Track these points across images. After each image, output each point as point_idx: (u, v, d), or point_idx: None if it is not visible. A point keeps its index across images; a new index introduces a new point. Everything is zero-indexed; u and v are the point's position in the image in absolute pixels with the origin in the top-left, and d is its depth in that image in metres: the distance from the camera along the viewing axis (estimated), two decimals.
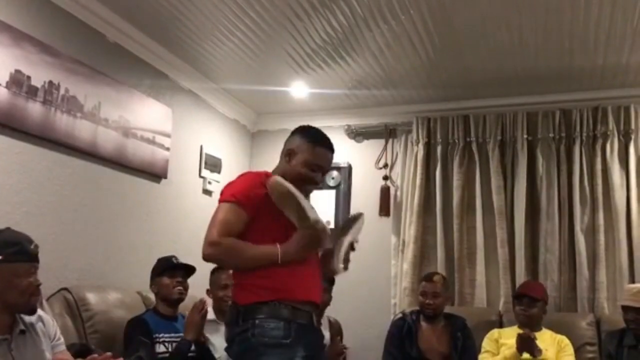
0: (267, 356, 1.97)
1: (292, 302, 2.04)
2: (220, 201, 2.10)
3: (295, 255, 2.05)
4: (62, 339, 2.24)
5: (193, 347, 2.76)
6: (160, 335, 2.81)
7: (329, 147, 2.26)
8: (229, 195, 2.08)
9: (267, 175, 2.14)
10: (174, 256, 3.03)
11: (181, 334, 2.81)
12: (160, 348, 2.79)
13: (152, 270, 3.00)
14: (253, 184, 2.10)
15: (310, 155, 2.19)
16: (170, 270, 2.94)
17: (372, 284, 4.38)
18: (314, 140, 2.22)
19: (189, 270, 3.01)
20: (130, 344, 2.72)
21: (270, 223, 2.08)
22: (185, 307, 2.96)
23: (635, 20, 3.12)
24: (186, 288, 2.98)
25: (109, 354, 1.98)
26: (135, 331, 2.75)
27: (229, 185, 2.16)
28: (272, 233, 2.07)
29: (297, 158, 2.19)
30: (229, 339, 2.10)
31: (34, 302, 2.05)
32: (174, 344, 2.78)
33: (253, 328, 1.99)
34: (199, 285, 3.17)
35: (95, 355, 1.87)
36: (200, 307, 2.79)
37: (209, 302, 3.04)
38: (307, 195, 2.20)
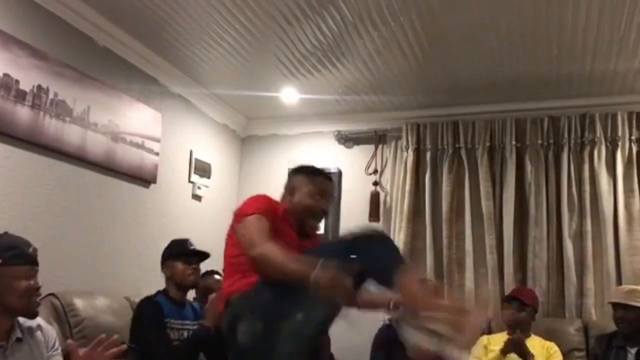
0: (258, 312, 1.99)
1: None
2: (243, 216, 2.12)
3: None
4: (59, 349, 2.22)
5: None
6: (172, 321, 2.80)
7: (326, 176, 2.38)
8: (252, 210, 2.13)
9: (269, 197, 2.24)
10: (188, 240, 3.00)
11: (187, 322, 2.82)
12: (171, 334, 2.78)
13: (165, 252, 2.98)
14: (269, 200, 2.22)
15: (311, 185, 2.29)
16: (186, 256, 2.92)
17: None
18: (312, 173, 2.35)
19: (202, 256, 3.00)
20: (140, 325, 2.72)
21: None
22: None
23: (622, 28, 3.15)
24: (199, 273, 2.98)
25: (116, 336, 1.98)
26: (150, 314, 2.74)
27: (244, 204, 2.21)
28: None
29: (299, 193, 2.28)
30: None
31: (34, 305, 2.04)
32: (181, 331, 2.78)
33: (247, 298, 2.03)
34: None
35: (103, 336, 1.87)
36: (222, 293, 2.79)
37: None
38: (317, 226, 2.35)
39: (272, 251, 1.95)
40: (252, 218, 2.09)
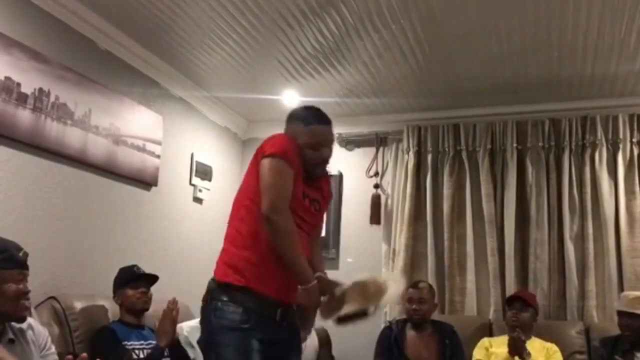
0: (223, 336, 2.01)
1: (261, 295, 2.04)
2: (270, 152, 2.05)
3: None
4: (53, 349, 2.22)
5: (167, 353, 2.77)
6: (130, 343, 2.79)
7: (324, 121, 2.23)
8: (280, 150, 2.06)
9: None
10: (135, 265, 3.01)
11: (150, 341, 2.82)
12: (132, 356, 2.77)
13: (115, 281, 2.98)
14: (293, 146, 2.11)
15: (308, 137, 2.16)
16: (133, 281, 2.92)
17: None
18: (308, 121, 2.20)
19: (152, 279, 2.99)
20: (95, 352, 2.69)
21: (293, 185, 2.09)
22: (152, 316, 2.96)
23: (622, 31, 3.16)
24: (150, 297, 2.96)
25: (84, 355, 1.97)
26: (105, 340, 2.73)
27: (274, 140, 2.12)
28: (293, 192, 2.07)
29: (299, 141, 2.17)
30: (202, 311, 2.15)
31: (23, 309, 2.03)
32: (145, 351, 2.77)
33: (215, 310, 2.05)
34: (192, 297, 3.15)
35: (70, 357, 1.87)
36: (169, 312, 2.79)
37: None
38: (321, 175, 2.27)
39: (291, 231, 2.00)
40: (281, 163, 2.03)
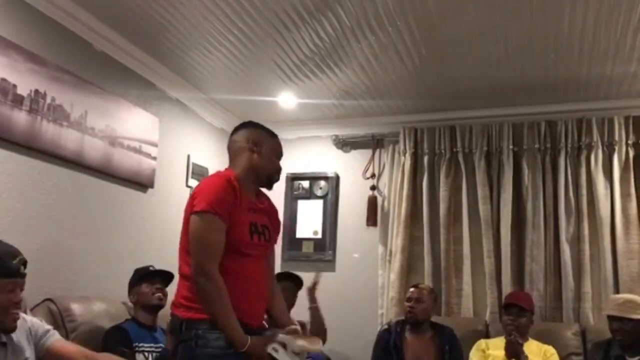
0: None
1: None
2: (198, 210, 2.05)
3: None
4: (52, 330, 2.20)
5: None
6: (140, 344, 2.79)
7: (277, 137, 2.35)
8: (207, 205, 2.04)
9: (231, 176, 2.14)
10: (151, 265, 3.03)
11: (160, 344, 2.81)
12: (140, 357, 2.77)
13: (130, 280, 3.00)
14: (226, 190, 2.08)
15: (275, 146, 2.28)
16: (149, 278, 2.94)
17: (359, 294, 4.39)
18: (271, 133, 2.31)
19: (167, 277, 3.00)
20: (109, 352, 2.69)
21: (235, 227, 2.08)
22: (164, 317, 2.93)
23: (618, 33, 3.17)
24: (165, 294, 2.96)
25: None
26: (116, 339, 2.73)
27: (203, 191, 2.10)
28: (236, 236, 2.08)
29: (265, 150, 2.23)
30: (174, 347, 2.11)
31: (12, 319, 1.99)
32: (154, 354, 2.76)
33: (196, 338, 2.00)
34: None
35: None
36: None
37: None
38: (275, 182, 2.30)
39: (217, 295, 1.98)
40: (208, 219, 2.02)
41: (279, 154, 2.30)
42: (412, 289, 3.51)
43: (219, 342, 1.99)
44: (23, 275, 2.02)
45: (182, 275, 2.13)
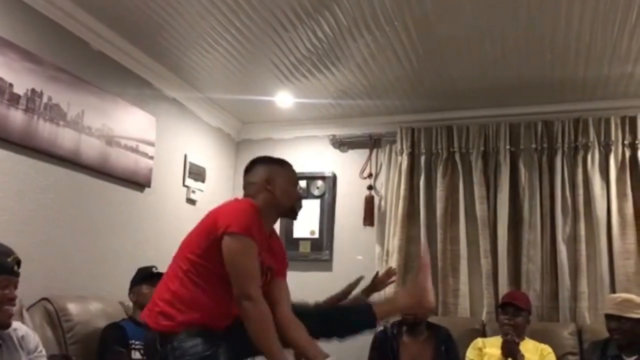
0: None
1: (205, 326, 2.04)
2: (232, 231, 2.01)
3: None
4: (43, 351, 2.20)
5: None
6: (137, 342, 2.79)
7: (289, 164, 2.36)
8: (242, 228, 2.02)
9: (255, 206, 2.13)
10: (154, 266, 3.03)
11: None
12: (136, 355, 2.78)
13: (132, 279, 3.01)
14: (256, 217, 2.09)
15: (289, 174, 2.28)
16: (150, 279, 2.93)
17: (356, 294, 4.37)
18: (281, 162, 2.30)
19: None
20: (105, 351, 2.69)
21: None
22: None
23: (614, 34, 3.17)
24: None
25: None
26: (113, 337, 2.74)
27: (231, 213, 2.08)
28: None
29: (279, 183, 2.21)
30: None
31: (6, 316, 2.00)
32: None
33: (173, 351, 1.99)
34: None
35: None
36: None
37: None
38: (299, 210, 2.30)
39: (263, 318, 1.98)
40: (247, 242, 2.00)
41: (294, 182, 2.29)
42: None
43: (196, 349, 1.97)
44: (17, 274, 2.04)
45: (172, 278, 2.10)
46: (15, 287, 2.03)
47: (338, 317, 2.29)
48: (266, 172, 2.24)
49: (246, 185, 2.29)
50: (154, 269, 3.00)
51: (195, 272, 2.07)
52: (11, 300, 2.00)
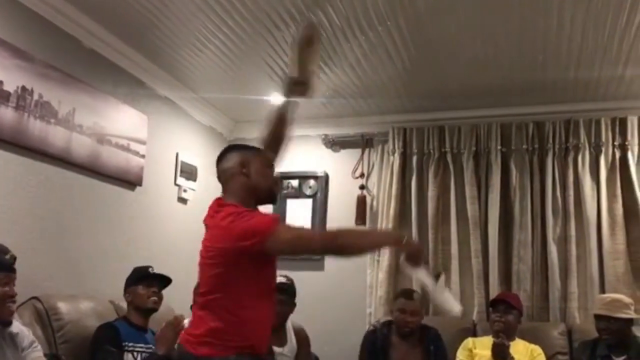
0: None
1: (249, 354, 1.93)
2: (274, 225, 1.91)
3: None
4: (39, 346, 2.20)
5: None
6: (130, 344, 2.77)
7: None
8: (274, 218, 1.97)
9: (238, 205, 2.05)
10: (150, 266, 3.00)
11: (150, 346, 2.78)
12: (128, 357, 2.75)
13: (127, 279, 2.98)
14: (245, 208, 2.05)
15: (263, 156, 2.17)
16: (146, 280, 2.92)
17: (348, 293, 4.39)
18: (253, 147, 2.22)
19: (165, 281, 2.99)
20: (97, 350, 2.68)
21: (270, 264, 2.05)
22: (157, 319, 2.92)
23: (605, 36, 3.19)
24: (161, 299, 2.96)
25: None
26: (106, 337, 2.71)
27: (256, 217, 1.98)
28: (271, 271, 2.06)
29: (254, 165, 2.11)
30: None
31: (8, 313, 2.00)
32: (143, 354, 2.75)
33: None
34: (173, 299, 3.14)
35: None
36: (175, 323, 2.74)
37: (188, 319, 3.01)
38: (276, 200, 2.24)
39: (347, 234, 2.01)
40: (281, 225, 1.96)
41: (270, 164, 2.20)
42: (404, 300, 3.35)
43: None
44: (15, 271, 2.04)
45: (210, 304, 1.94)
46: (14, 284, 2.03)
47: None
48: (240, 156, 2.13)
49: (220, 174, 2.20)
50: (150, 270, 2.97)
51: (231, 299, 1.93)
52: (12, 297, 2.00)
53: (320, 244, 1.99)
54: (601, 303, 3.22)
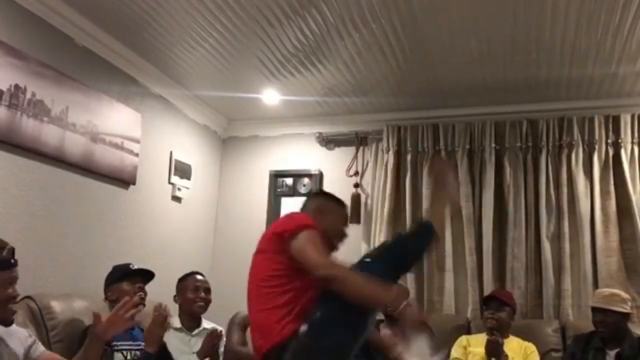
0: None
1: None
2: (301, 229, 2.17)
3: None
4: (39, 343, 2.19)
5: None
6: (119, 343, 2.75)
7: (343, 204, 2.59)
8: (305, 222, 2.21)
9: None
10: (130, 263, 2.99)
11: (139, 343, 2.77)
12: (118, 356, 2.74)
13: (108, 277, 2.94)
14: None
15: (341, 213, 2.52)
16: (130, 276, 2.90)
17: None
18: (338, 201, 2.55)
19: (148, 276, 2.98)
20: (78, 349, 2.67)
21: None
22: (142, 314, 2.91)
23: (598, 35, 3.21)
24: (145, 294, 2.94)
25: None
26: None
27: (295, 219, 2.27)
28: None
29: (330, 216, 2.41)
30: None
31: (10, 313, 1.99)
32: (132, 353, 2.74)
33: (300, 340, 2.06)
34: (156, 294, 3.12)
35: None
36: (161, 319, 2.74)
37: (174, 310, 3.00)
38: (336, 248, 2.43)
39: (350, 274, 2.09)
40: (311, 232, 2.16)
41: (344, 221, 2.50)
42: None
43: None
44: (16, 263, 2.02)
45: (268, 306, 2.17)
46: (17, 277, 2.02)
47: (403, 247, 2.37)
48: (320, 204, 2.49)
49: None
50: (131, 266, 2.96)
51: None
52: (14, 298, 1.99)
53: (322, 274, 2.09)
54: (600, 296, 3.25)
